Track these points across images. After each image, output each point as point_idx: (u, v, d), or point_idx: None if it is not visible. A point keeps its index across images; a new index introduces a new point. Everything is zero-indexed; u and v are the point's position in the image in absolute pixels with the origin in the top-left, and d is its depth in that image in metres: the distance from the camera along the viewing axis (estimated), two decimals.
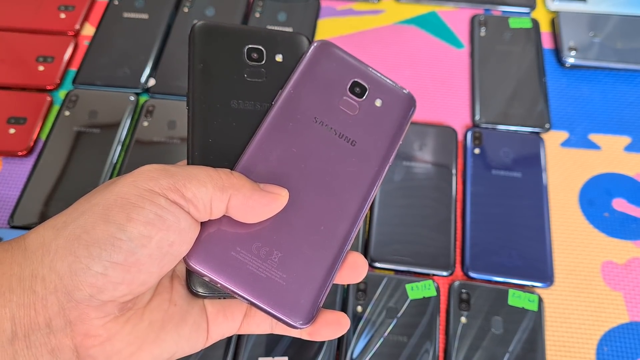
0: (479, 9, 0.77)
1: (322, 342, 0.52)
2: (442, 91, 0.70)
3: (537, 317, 0.54)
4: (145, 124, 0.66)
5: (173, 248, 0.30)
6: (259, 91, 0.37)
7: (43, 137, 0.66)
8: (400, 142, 0.38)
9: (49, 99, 0.69)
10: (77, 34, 0.75)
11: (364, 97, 0.38)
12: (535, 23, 0.74)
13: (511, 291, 0.55)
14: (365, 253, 0.58)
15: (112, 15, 0.76)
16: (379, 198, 0.60)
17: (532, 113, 0.66)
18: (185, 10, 0.76)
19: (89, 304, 0.28)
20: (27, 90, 0.70)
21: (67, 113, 0.67)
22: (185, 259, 0.31)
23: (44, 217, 0.60)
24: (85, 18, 0.76)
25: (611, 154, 0.65)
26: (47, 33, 0.74)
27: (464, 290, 0.55)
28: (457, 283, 0.56)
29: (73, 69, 0.72)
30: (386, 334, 0.53)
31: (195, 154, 0.34)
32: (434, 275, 0.57)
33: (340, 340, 0.53)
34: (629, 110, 0.68)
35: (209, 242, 0.32)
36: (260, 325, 0.36)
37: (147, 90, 0.70)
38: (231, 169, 0.33)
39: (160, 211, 0.29)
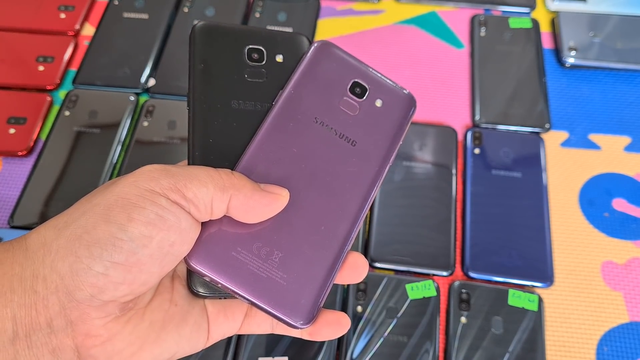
0: (479, 9, 0.77)
1: (322, 342, 0.52)
2: (442, 91, 0.70)
3: (537, 317, 0.54)
4: (145, 124, 0.66)
5: (174, 248, 0.30)
6: (259, 91, 0.37)
7: (43, 137, 0.66)
8: (401, 143, 0.38)
9: (49, 99, 0.69)
10: (77, 34, 0.75)
11: (365, 98, 0.38)
12: (535, 23, 0.74)
13: (511, 291, 0.55)
14: (365, 253, 0.58)
15: (112, 15, 0.76)
16: (379, 198, 0.60)
17: (532, 113, 0.66)
18: (185, 10, 0.76)
19: (90, 304, 0.28)
20: (27, 90, 0.70)
21: (67, 113, 0.67)
22: (186, 259, 0.31)
23: (44, 217, 0.60)
24: (85, 18, 0.76)
25: (611, 154, 0.65)
26: (47, 33, 0.74)
27: (464, 290, 0.55)
28: (457, 283, 0.56)
29: (73, 69, 0.72)
30: (386, 334, 0.53)
31: (195, 154, 0.35)
32: (434, 275, 0.57)
33: (340, 340, 0.53)
34: (629, 110, 0.68)
35: (209, 242, 0.32)
36: (261, 325, 0.36)
37: (147, 90, 0.70)
38: (232, 169, 0.33)
39: (161, 211, 0.29)
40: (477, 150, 0.64)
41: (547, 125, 0.65)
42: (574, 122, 0.67)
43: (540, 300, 0.54)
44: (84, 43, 0.74)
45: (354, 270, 0.35)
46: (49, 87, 0.70)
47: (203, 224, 0.32)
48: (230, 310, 0.35)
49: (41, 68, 0.71)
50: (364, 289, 0.55)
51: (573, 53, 0.70)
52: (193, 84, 0.36)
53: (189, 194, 0.30)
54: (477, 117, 0.66)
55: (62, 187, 0.62)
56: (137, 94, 0.69)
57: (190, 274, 0.34)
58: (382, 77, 0.39)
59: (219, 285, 0.32)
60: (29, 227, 0.59)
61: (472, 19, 0.75)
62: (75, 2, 0.77)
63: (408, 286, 0.55)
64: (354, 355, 0.52)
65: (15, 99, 0.68)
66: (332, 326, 0.34)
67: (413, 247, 0.58)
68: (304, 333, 0.35)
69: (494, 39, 0.73)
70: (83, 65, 0.71)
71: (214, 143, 0.35)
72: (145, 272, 0.29)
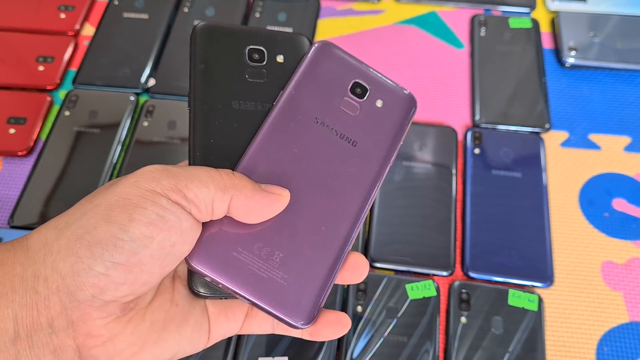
0: (479, 9, 0.77)
1: (322, 342, 0.52)
2: (442, 91, 0.70)
3: (537, 317, 0.54)
4: (145, 124, 0.66)
5: (175, 248, 0.30)
6: (260, 92, 0.37)
7: (43, 137, 0.66)
8: (401, 143, 0.38)
9: (49, 99, 0.69)
10: (77, 34, 0.75)
11: (365, 98, 0.38)
12: (535, 23, 0.74)
13: (511, 291, 0.55)
14: (365, 253, 0.58)
15: (112, 15, 0.76)
16: (379, 198, 0.60)
17: (532, 113, 0.66)
18: (185, 10, 0.76)
19: (91, 304, 0.28)
20: (27, 90, 0.70)
21: (67, 113, 0.67)
22: (186, 260, 0.32)
23: (44, 217, 0.60)
24: (85, 18, 0.76)
25: (611, 154, 0.65)
26: (47, 33, 0.74)
27: (464, 290, 0.55)
28: (457, 283, 0.56)
29: (73, 69, 0.72)
30: (386, 334, 0.53)
31: (196, 154, 0.35)
32: (434, 275, 0.57)
33: (340, 340, 0.53)
34: (629, 110, 0.68)
35: (210, 242, 0.32)
36: (262, 325, 0.36)
37: (147, 90, 0.70)
38: (233, 170, 0.33)
39: (162, 212, 0.29)
40: (477, 150, 0.64)
41: (547, 125, 0.66)
42: (574, 122, 0.67)
43: (540, 300, 0.54)
44: (84, 43, 0.74)
45: (354, 270, 0.36)
46: (49, 87, 0.70)
47: (204, 224, 0.32)
48: (231, 311, 0.35)
49: (41, 68, 0.71)
50: (364, 289, 0.55)
51: (573, 53, 0.70)
52: (194, 85, 0.36)
53: (190, 195, 0.30)
54: (477, 117, 0.67)
55: (62, 187, 0.62)
56: (137, 94, 0.69)
57: (191, 274, 0.34)
58: (383, 78, 0.39)
59: (220, 285, 0.32)
60: (28, 227, 0.59)
61: (472, 19, 0.75)
62: (75, 2, 0.77)
63: (408, 286, 0.55)
64: (354, 355, 0.52)
65: (15, 99, 0.68)
66: (332, 326, 0.34)
67: (413, 247, 0.58)
68: (305, 333, 0.35)
69: (494, 39, 0.73)
70: (83, 65, 0.71)
71: (214, 143, 0.35)
72: (146, 273, 0.29)
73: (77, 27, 0.75)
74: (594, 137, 0.66)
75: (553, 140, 0.66)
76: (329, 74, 0.38)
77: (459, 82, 0.71)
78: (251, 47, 0.38)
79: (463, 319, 0.54)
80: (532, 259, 0.57)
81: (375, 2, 0.78)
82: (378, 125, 0.37)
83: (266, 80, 0.37)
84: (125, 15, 0.76)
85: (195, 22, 0.73)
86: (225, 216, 0.32)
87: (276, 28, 0.74)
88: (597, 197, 0.62)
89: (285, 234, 0.33)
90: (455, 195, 0.61)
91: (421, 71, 0.72)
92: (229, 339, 0.52)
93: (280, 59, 0.38)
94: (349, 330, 0.52)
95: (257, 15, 0.75)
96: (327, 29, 0.75)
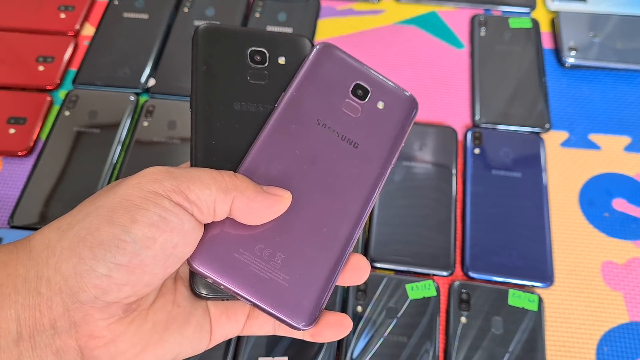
0: (479, 9, 0.77)
1: (322, 343, 0.52)
2: (442, 91, 0.70)
3: (537, 317, 0.54)
4: (145, 124, 0.66)
5: (177, 250, 0.30)
6: (261, 93, 0.37)
7: (43, 137, 0.66)
8: (403, 145, 0.38)
9: (49, 99, 0.69)
10: (77, 34, 0.75)
11: (366, 100, 0.38)
12: (535, 23, 0.74)
13: (511, 291, 0.55)
14: (365, 253, 0.58)
15: (112, 15, 0.76)
16: (379, 198, 0.60)
17: (532, 113, 0.67)
18: (185, 10, 0.76)
19: (93, 305, 0.28)
20: (27, 90, 0.70)
21: (67, 113, 0.67)
22: (188, 261, 0.32)
23: (44, 217, 0.60)
24: (85, 18, 0.76)
25: (611, 154, 0.65)
26: (47, 33, 0.74)
27: (464, 290, 0.55)
28: (457, 283, 0.56)
29: (73, 69, 0.72)
30: (386, 334, 0.53)
31: (198, 155, 0.35)
32: (434, 275, 0.57)
33: (340, 340, 0.53)
34: (629, 110, 0.68)
35: (212, 244, 0.32)
36: (263, 326, 0.36)
37: (147, 90, 0.70)
38: (234, 171, 0.33)
39: (164, 213, 0.29)
40: (477, 150, 0.64)
41: (547, 125, 0.66)
42: (574, 122, 0.67)
43: (540, 300, 0.55)
44: (84, 43, 0.74)
45: (355, 272, 0.36)
46: (49, 87, 0.70)
47: (206, 225, 0.32)
48: (232, 312, 0.35)
49: (41, 68, 0.71)
50: (364, 289, 0.55)
51: (573, 53, 0.70)
52: (196, 86, 0.36)
53: (192, 196, 0.30)
54: (477, 117, 0.67)
55: (62, 187, 0.62)
56: (137, 94, 0.69)
57: (193, 275, 0.34)
58: (384, 79, 0.39)
59: (222, 286, 0.32)
60: (28, 227, 0.60)
61: (472, 19, 0.75)
62: (75, 2, 0.77)
63: (408, 286, 0.55)
64: (354, 355, 0.52)
65: (15, 99, 0.68)
66: (334, 328, 0.34)
67: (413, 247, 0.58)
68: (306, 335, 0.35)
69: (494, 39, 0.73)
70: (83, 65, 0.71)
71: (216, 145, 0.35)
72: (148, 274, 0.29)
73: (77, 27, 0.75)
74: (594, 137, 0.66)
75: (553, 140, 0.66)
76: (331, 76, 0.38)
77: (459, 82, 0.71)
78: (253, 48, 0.38)
79: (463, 319, 0.54)
80: (532, 259, 0.57)
81: (375, 2, 0.78)
82: (379, 127, 0.37)
83: (268, 82, 0.37)
84: (125, 15, 0.76)
85: (197, 23, 0.73)
86: (227, 218, 0.32)
87: (276, 28, 0.74)
88: (597, 197, 0.62)
89: (287, 235, 0.33)
90: (455, 195, 0.61)
91: (421, 71, 0.72)
92: (229, 339, 0.52)
93: (281, 60, 0.38)
94: None
95: (257, 15, 0.75)
96: (327, 29, 0.75)
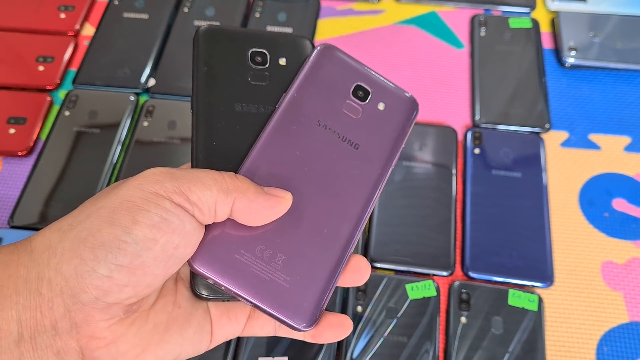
0: (479, 9, 0.77)
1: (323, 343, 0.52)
2: (442, 91, 0.70)
3: (537, 317, 0.54)
4: (145, 124, 0.66)
5: (178, 251, 0.30)
6: (262, 94, 0.37)
7: (43, 137, 0.66)
8: (403, 146, 0.38)
9: (49, 99, 0.69)
10: (77, 34, 0.75)
11: (367, 101, 0.38)
12: (535, 23, 0.74)
13: (511, 291, 0.55)
14: (365, 253, 0.58)
15: (112, 15, 0.76)
16: (379, 198, 0.60)
17: (532, 113, 0.67)
18: (185, 10, 0.76)
19: (94, 306, 0.28)
20: (27, 90, 0.70)
21: (67, 113, 0.67)
22: (189, 262, 0.32)
23: (44, 217, 0.60)
24: (85, 18, 0.76)
25: (611, 154, 0.65)
26: (47, 33, 0.74)
27: (464, 291, 0.55)
28: (457, 283, 0.56)
29: (73, 69, 0.72)
30: (386, 334, 0.53)
31: (199, 156, 0.35)
32: (434, 275, 0.57)
33: (340, 340, 0.53)
34: (629, 110, 0.68)
35: (213, 244, 0.32)
36: (264, 327, 0.36)
37: (147, 90, 0.70)
38: (235, 172, 0.33)
39: (166, 214, 0.29)
40: (477, 150, 0.64)
41: (547, 125, 0.66)
42: (574, 122, 0.67)
43: (540, 300, 0.55)
44: (84, 43, 0.74)
45: (356, 273, 0.36)
46: (49, 87, 0.70)
47: (207, 226, 0.32)
48: (233, 313, 0.36)
49: (41, 68, 0.71)
50: (364, 289, 0.55)
51: (573, 53, 0.70)
52: (197, 87, 0.36)
53: (193, 197, 0.30)
54: (477, 117, 0.67)
55: (62, 187, 0.62)
56: (137, 94, 0.69)
57: (194, 276, 0.34)
58: (385, 81, 0.39)
59: (222, 287, 0.32)
60: (28, 227, 0.60)
61: (472, 19, 0.75)
62: (75, 2, 0.77)
63: (408, 286, 0.55)
64: (354, 356, 0.52)
65: (15, 99, 0.68)
66: (334, 329, 0.34)
67: (413, 247, 0.58)
68: (307, 336, 0.35)
69: (494, 39, 0.73)
70: (83, 65, 0.71)
71: (217, 146, 0.35)
72: (149, 275, 0.29)
73: (77, 27, 0.75)
74: (594, 137, 0.66)
75: (553, 140, 0.66)
76: (331, 77, 0.38)
77: (459, 82, 0.71)
78: (254, 49, 0.38)
79: (463, 319, 0.54)
80: (532, 259, 0.57)
81: (375, 2, 0.78)
82: (380, 128, 0.38)
83: (269, 83, 0.37)
84: (125, 15, 0.75)
85: (197, 24, 0.73)
86: (228, 219, 0.32)
87: (276, 28, 0.74)
88: (597, 197, 0.62)
89: (288, 236, 0.33)
90: (455, 196, 0.61)
91: (421, 71, 0.72)
92: (229, 340, 0.53)
93: (282, 61, 0.38)
94: None
95: (257, 15, 0.75)
96: (327, 29, 0.75)
